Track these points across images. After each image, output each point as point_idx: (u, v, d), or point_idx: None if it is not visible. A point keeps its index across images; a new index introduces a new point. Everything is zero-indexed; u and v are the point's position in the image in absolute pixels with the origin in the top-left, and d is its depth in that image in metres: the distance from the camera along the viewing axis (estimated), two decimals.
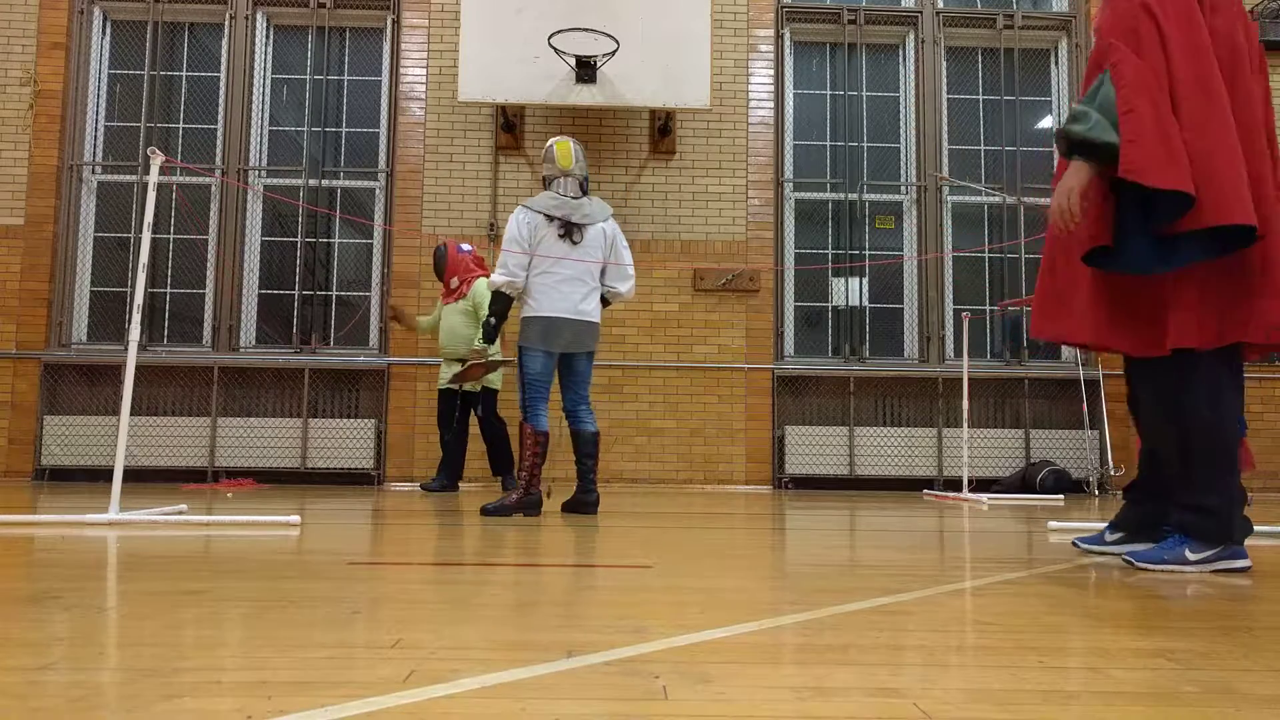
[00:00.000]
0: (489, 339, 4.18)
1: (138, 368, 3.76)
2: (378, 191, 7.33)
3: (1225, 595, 2.01)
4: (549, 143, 4.21)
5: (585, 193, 4.18)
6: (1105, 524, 2.84)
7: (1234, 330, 2.28)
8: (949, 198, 7.49)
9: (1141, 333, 2.37)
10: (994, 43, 7.63)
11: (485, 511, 3.96)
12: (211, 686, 1.14)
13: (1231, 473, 2.35)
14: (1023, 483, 6.80)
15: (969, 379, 6.37)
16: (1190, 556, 2.39)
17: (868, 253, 7.41)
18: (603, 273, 4.19)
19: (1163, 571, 2.42)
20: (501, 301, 4.08)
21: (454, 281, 5.92)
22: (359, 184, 7.38)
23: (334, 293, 7.27)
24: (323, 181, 7.26)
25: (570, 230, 4.06)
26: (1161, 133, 2.19)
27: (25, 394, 6.84)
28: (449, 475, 6.01)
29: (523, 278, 4.01)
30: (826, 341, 7.39)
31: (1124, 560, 2.55)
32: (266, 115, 7.38)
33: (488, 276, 5.89)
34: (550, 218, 4.05)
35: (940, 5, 7.61)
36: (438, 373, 6.98)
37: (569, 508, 4.19)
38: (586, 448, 4.13)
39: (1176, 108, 2.24)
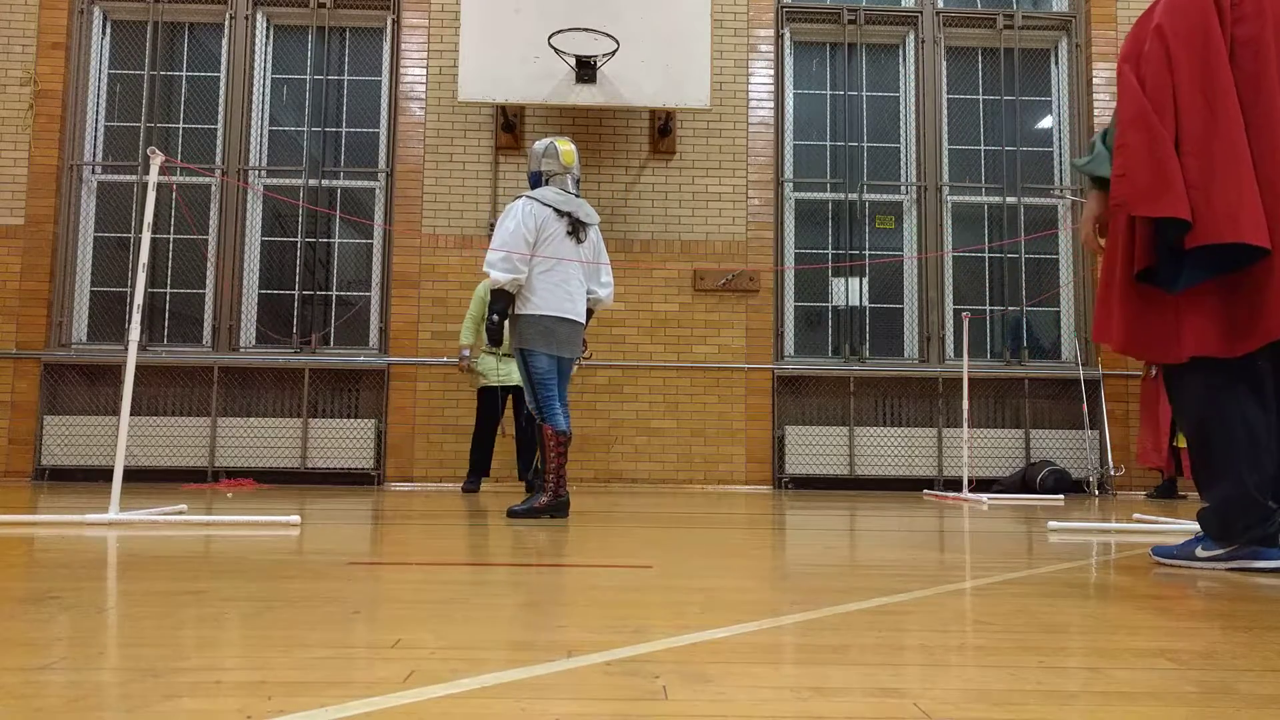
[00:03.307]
0: (495, 341, 3.95)
1: (138, 368, 3.76)
2: (378, 191, 7.33)
3: (1226, 595, 2.01)
4: (548, 140, 4.08)
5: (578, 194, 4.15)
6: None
7: (1243, 341, 2.30)
8: (949, 198, 7.49)
9: (1159, 342, 2.40)
10: (994, 43, 7.63)
11: (512, 514, 3.88)
12: (211, 686, 1.14)
13: (1233, 474, 2.33)
14: (1023, 483, 6.80)
15: (969, 379, 6.37)
16: (1199, 553, 2.42)
17: (868, 253, 7.41)
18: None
19: (1171, 565, 2.46)
20: (504, 300, 3.89)
21: None
22: (359, 184, 7.37)
23: (334, 293, 7.27)
24: (323, 181, 7.26)
25: (577, 228, 4.00)
26: (1154, 161, 2.26)
27: (25, 394, 6.84)
28: (482, 471, 6.09)
29: (525, 274, 3.86)
30: (826, 341, 7.39)
31: (1149, 554, 2.61)
32: (266, 115, 7.38)
33: None
34: (560, 213, 3.96)
35: (940, 5, 7.61)
36: (440, 373, 6.98)
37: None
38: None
39: (1180, 130, 2.28)
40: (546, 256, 3.92)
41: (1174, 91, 2.29)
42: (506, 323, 3.96)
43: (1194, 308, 2.31)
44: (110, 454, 6.59)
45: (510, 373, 5.93)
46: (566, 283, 3.94)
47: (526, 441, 5.95)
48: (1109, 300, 2.48)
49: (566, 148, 4.07)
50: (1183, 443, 6.16)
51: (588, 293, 4.12)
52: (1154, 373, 6.47)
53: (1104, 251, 2.49)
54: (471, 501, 5.10)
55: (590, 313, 4.18)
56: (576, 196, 4.07)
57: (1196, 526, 3.68)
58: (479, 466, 6.07)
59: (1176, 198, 2.23)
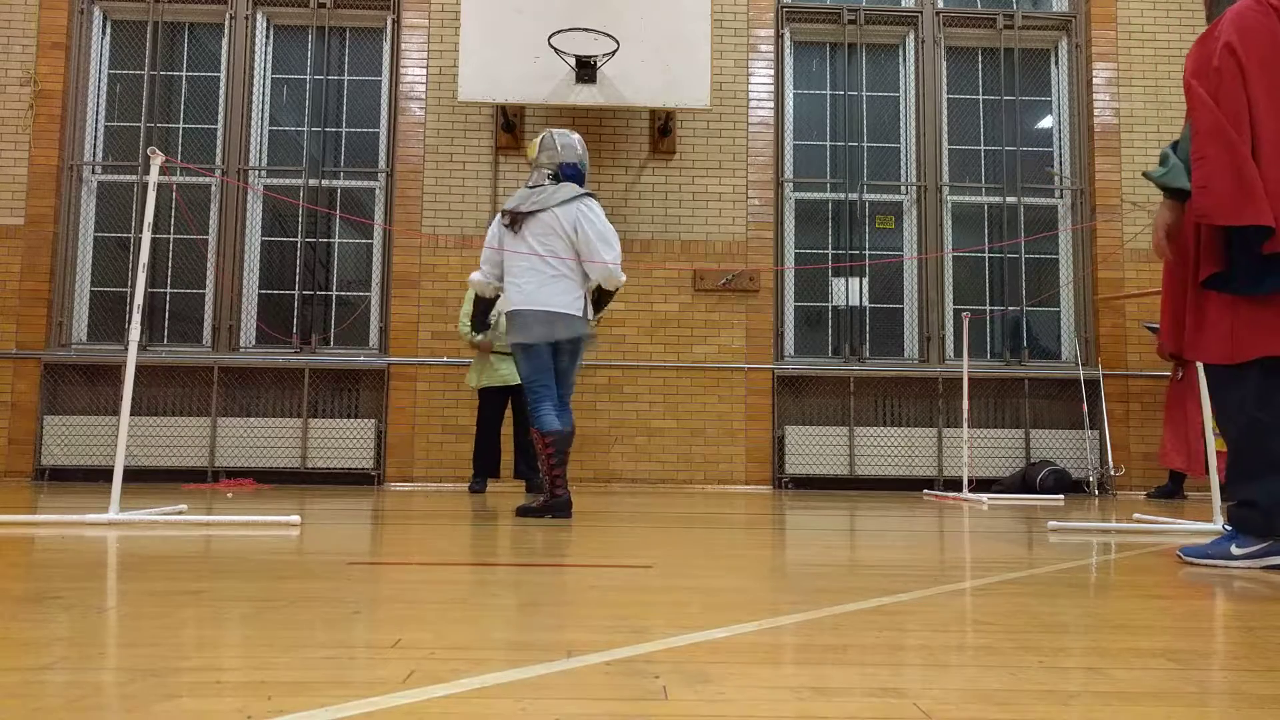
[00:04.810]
0: (478, 328, 4.37)
1: (138, 368, 3.76)
2: (378, 191, 7.33)
3: (1226, 595, 2.01)
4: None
5: (560, 180, 4.00)
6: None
7: None
8: (949, 198, 7.49)
9: (1219, 344, 2.47)
10: (994, 43, 7.63)
11: (520, 513, 3.98)
12: (211, 686, 1.14)
13: (1277, 473, 2.38)
14: (1023, 483, 6.80)
15: (969, 379, 6.37)
16: (1235, 551, 2.44)
17: (868, 253, 7.41)
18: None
19: (1204, 565, 2.46)
20: (482, 302, 4.27)
21: None
22: (359, 184, 7.37)
23: (334, 293, 7.27)
24: (323, 181, 7.26)
25: (513, 221, 4.01)
26: (1235, 173, 2.32)
27: (25, 394, 6.83)
28: (486, 473, 6.10)
29: (490, 275, 4.10)
30: (826, 341, 7.39)
31: (1177, 555, 2.61)
32: (266, 115, 7.38)
33: None
34: (504, 212, 4.06)
35: (940, 5, 7.60)
36: (440, 373, 6.98)
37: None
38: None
39: (1257, 141, 2.35)
40: (502, 252, 4.03)
41: (1250, 104, 2.36)
42: (493, 318, 4.23)
43: (1261, 311, 2.38)
44: (110, 454, 6.58)
45: (511, 373, 5.94)
46: (517, 276, 3.99)
47: (524, 441, 5.97)
48: (1181, 309, 2.55)
49: (533, 141, 4.18)
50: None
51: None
52: (1179, 375, 6.43)
53: (1174, 261, 2.53)
54: (472, 501, 5.10)
55: (601, 299, 4.16)
56: (536, 186, 4.01)
57: (1197, 526, 3.69)
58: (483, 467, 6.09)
59: (1260, 206, 2.29)
